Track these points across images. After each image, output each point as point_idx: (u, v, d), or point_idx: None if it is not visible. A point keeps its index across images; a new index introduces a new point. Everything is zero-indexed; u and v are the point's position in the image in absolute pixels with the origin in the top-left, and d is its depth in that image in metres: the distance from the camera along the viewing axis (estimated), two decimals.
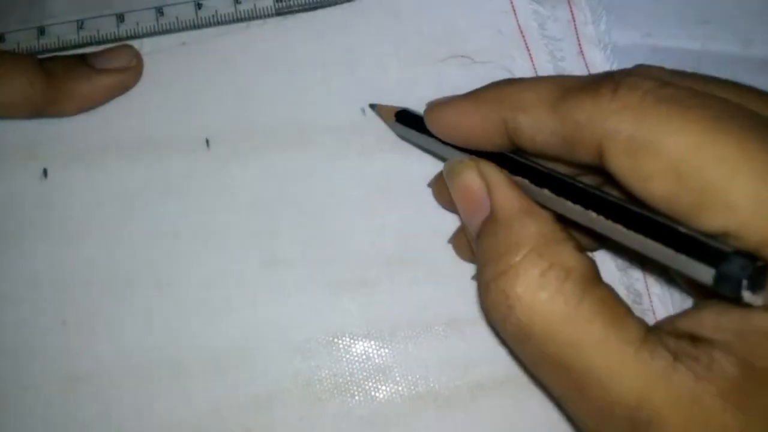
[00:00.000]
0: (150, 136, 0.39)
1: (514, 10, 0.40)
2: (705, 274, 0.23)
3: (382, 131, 0.39)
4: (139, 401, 0.36)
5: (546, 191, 0.28)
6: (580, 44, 0.40)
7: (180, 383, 0.36)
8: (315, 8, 0.41)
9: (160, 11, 0.41)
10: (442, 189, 0.36)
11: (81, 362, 0.36)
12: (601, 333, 0.25)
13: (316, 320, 0.36)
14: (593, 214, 0.27)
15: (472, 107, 0.30)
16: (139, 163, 0.39)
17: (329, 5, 0.41)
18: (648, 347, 0.24)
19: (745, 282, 0.22)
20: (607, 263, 0.37)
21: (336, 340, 0.36)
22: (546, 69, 0.40)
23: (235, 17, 0.41)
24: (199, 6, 0.41)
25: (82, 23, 0.41)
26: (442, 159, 0.36)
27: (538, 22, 0.40)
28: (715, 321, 0.25)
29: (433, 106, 0.33)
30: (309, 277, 0.37)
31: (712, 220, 0.23)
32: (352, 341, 0.36)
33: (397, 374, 0.36)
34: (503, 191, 0.29)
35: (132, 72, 0.39)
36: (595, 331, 0.25)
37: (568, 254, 0.27)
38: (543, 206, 0.29)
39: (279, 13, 0.41)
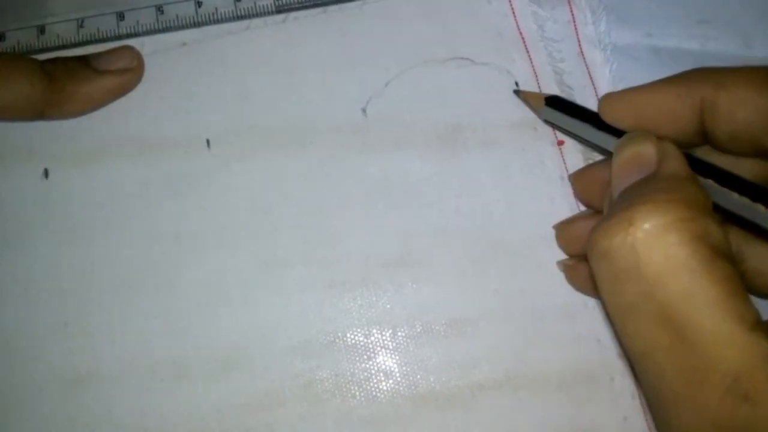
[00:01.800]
0: (150, 136, 0.39)
1: (514, 12, 0.41)
2: None
3: (383, 131, 0.39)
4: (140, 402, 0.36)
5: (711, 182, 0.28)
6: (580, 45, 0.40)
7: (181, 383, 0.36)
8: (314, 6, 0.41)
9: (160, 9, 0.41)
10: (587, 184, 0.36)
11: (82, 363, 0.36)
12: (721, 298, 0.23)
13: (317, 320, 0.36)
14: (761, 208, 0.26)
15: (669, 87, 0.30)
16: (139, 163, 0.39)
17: (329, 4, 0.41)
18: (760, 331, 0.23)
19: None
20: None
21: (336, 340, 0.36)
22: (545, 70, 0.40)
23: (235, 15, 0.41)
24: (199, 4, 0.41)
25: (83, 21, 0.41)
26: (591, 145, 0.36)
27: (538, 24, 0.40)
28: None
29: (616, 92, 0.32)
30: (309, 277, 0.37)
31: None
32: (352, 341, 0.36)
33: (397, 374, 0.36)
34: (674, 160, 0.28)
35: (133, 73, 0.39)
36: (715, 294, 0.24)
37: (713, 225, 0.25)
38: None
39: (279, 10, 0.41)
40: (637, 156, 0.28)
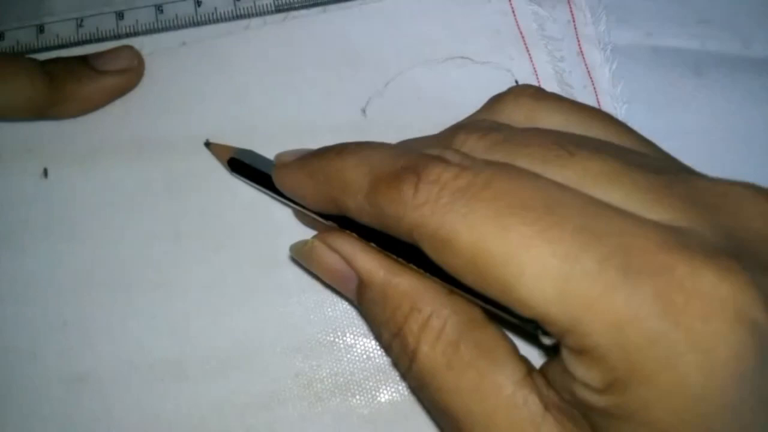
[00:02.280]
0: (150, 136, 0.39)
1: (513, 11, 0.40)
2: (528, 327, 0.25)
3: (382, 131, 0.39)
4: (140, 401, 0.36)
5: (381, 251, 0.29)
6: (579, 44, 0.40)
7: (181, 383, 0.36)
8: (314, 6, 0.41)
9: (159, 9, 0.41)
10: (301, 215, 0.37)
11: (82, 362, 0.36)
12: (476, 378, 0.25)
13: (317, 320, 0.36)
14: (414, 267, 0.28)
15: (307, 180, 0.30)
16: (139, 163, 0.39)
17: (328, 3, 0.41)
18: (522, 393, 0.25)
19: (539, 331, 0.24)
20: None
21: (337, 339, 0.36)
22: (545, 69, 0.40)
23: (234, 14, 0.41)
24: (198, 3, 0.41)
25: (82, 21, 0.41)
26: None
27: (538, 23, 0.40)
28: (560, 379, 0.25)
29: (277, 166, 0.32)
30: (309, 276, 0.37)
31: (518, 309, 0.23)
32: (352, 341, 0.36)
33: (397, 374, 0.36)
34: (362, 258, 0.29)
35: (133, 73, 0.39)
36: (471, 377, 0.25)
37: (441, 301, 0.27)
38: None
39: (278, 10, 0.41)
40: (326, 268, 0.31)
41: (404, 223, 0.25)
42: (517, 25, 0.40)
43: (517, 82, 0.40)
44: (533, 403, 0.24)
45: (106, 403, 0.36)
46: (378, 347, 0.36)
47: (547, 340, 0.24)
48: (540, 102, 0.29)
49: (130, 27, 0.41)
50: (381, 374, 0.36)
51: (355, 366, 0.36)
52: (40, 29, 0.41)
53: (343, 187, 0.27)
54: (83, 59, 0.39)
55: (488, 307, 0.26)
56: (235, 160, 0.36)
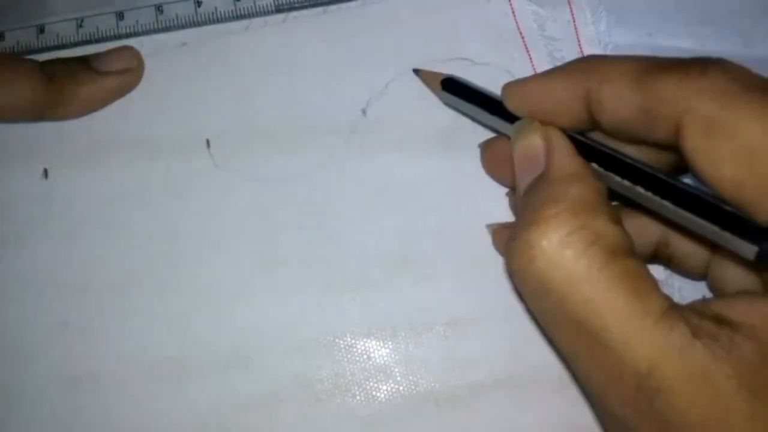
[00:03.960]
0: (150, 136, 0.39)
1: (513, 12, 0.40)
2: (748, 250, 0.24)
3: (383, 132, 0.39)
4: (140, 401, 0.36)
5: (596, 165, 0.29)
6: (580, 45, 0.40)
7: (181, 383, 0.36)
8: (314, 6, 0.41)
9: (159, 9, 0.41)
10: (492, 155, 0.37)
11: (82, 362, 0.36)
12: (620, 300, 0.25)
13: (317, 320, 0.36)
14: (641, 190, 0.28)
15: (558, 78, 0.31)
16: (139, 163, 0.39)
17: (328, 4, 0.41)
18: (668, 320, 0.24)
19: None
20: None
21: (336, 340, 0.36)
22: (545, 69, 0.39)
23: (234, 14, 0.41)
24: (198, 3, 0.41)
25: (82, 21, 0.41)
26: (491, 129, 0.37)
27: (538, 23, 0.40)
28: (747, 307, 0.25)
29: (513, 82, 0.33)
30: (309, 277, 0.37)
31: None
32: (352, 341, 0.36)
33: (397, 374, 0.36)
34: (561, 153, 0.29)
35: (134, 73, 0.39)
36: (614, 297, 0.25)
37: (602, 222, 0.27)
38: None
39: (279, 10, 0.41)
40: (528, 149, 0.31)
41: (678, 105, 0.25)
42: (517, 25, 0.40)
43: None
44: (680, 330, 0.24)
45: (106, 402, 0.36)
46: (378, 347, 0.36)
47: None
48: None
49: (130, 27, 0.41)
50: (381, 375, 0.36)
51: (355, 366, 0.36)
52: (41, 29, 0.41)
53: (604, 76, 0.28)
54: (83, 60, 0.39)
55: (695, 219, 0.26)
56: (449, 79, 0.37)
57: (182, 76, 0.40)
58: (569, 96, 0.30)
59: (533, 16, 0.40)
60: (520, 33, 0.40)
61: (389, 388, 0.36)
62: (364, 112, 0.39)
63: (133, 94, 0.40)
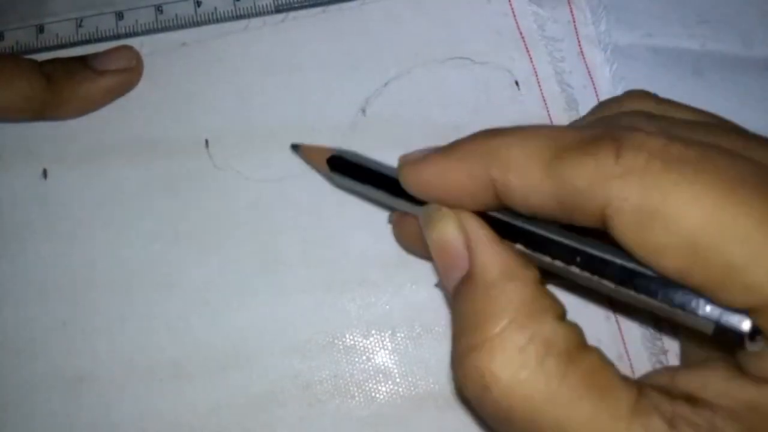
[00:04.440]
0: (150, 136, 0.39)
1: (513, 12, 0.40)
2: (704, 326, 0.22)
3: (382, 131, 0.39)
4: (139, 401, 0.36)
5: (521, 246, 0.27)
6: (580, 45, 0.40)
7: (180, 383, 0.36)
8: (314, 6, 0.41)
9: (159, 9, 0.41)
10: (405, 230, 0.34)
11: (81, 362, 0.36)
12: (589, 411, 0.23)
13: (316, 321, 0.36)
14: (576, 270, 0.25)
15: (458, 164, 0.27)
16: (139, 163, 0.39)
17: (328, 3, 0.41)
18: (641, 419, 0.23)
19: (746, 332, 0.22)
20: None
21: (336, 340, 0.36)
22: (545, 69, 0.39)
23: (234, 14, 0.41)
24: (198, 3, 0.41)
25: (81, 21, 0.41)
26: (387, 207, 0.35)
27: (538, 23, 0.40)
28: (723, 386, 0.23)
29: (408, 163, 0.29)
30: (309, 277, 0.37)
31: (732, 298, 0.21)
32: (351, 342, 0.36)
33: (396, 375, 0.36)
34: (484, 249, 0.26)
35: (132, 73, 0.39)
36: (582, 410, 0.23)
37: (550, 325, 0.24)
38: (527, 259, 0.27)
39: (278, 10, 0.41)
40: (445, 244, 0.28)
41: (598, 196, 0.22)
42: (517, 25, 0.40)
43: (517, 82, 0.39)
44: (655, 427, 0.22)
45: (106, 402, 0.36)
46: (377, 347, 0.36)
47: (754, 346, 0.22)
48: (661, 101, 0.28)
49: (129, 27, 0.41)
50: (380, 375, 0.36)
51: (354, 367, 0.36)
52: (40, 29, 0.41)
53: (508, 163, 0.25)
54: (82, 59, 0.39)
55: (659, 304, 0.23)
56: (337, 158, 0.34)
57: (181, 76, 0.40)
58: (473, 184, 0.26)
59: (533, 16, 0.40)
60: (520, 33, 0.40)
61: (388, 389, 0.36)
62: (363, 111, 0.39)
63: (133, 94, 0.40)
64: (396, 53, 0.40)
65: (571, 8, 0.40)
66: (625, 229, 0.22)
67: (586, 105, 0.39)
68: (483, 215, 0.28)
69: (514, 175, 0.25)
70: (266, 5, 0.41)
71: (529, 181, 0.24)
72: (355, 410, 0.35)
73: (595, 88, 0.39)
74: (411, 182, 0.29)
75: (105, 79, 0.38)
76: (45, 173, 0.39)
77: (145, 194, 0.38)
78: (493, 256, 0.26)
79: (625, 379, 0.24)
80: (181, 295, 0.37)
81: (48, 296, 0.37)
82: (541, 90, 0.39)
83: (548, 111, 0.39)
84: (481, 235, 0.27)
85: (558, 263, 0.26)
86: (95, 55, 0.39)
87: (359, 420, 0.35)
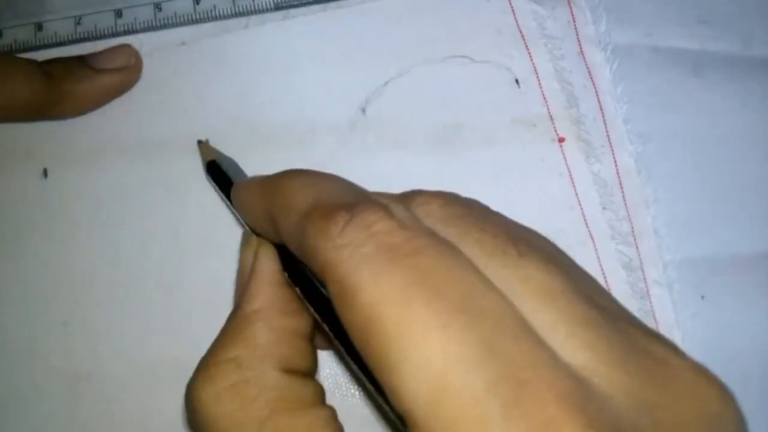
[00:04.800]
0: (150, 136, 0.39)
1: (513, 10, 0.40)
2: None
3: (382, 131, 0.39)
4: (140, 401, 0.36)
5: (299, 292, 0.27)
6: (580, 44, 0.40)
7: (181, 383, 0.35)
8: (313, 4, 0.41)
9: (158, 7, 0.41)
10: None
11: (82, 362, 0.36)
12: None
13: None
14: (327, 329, 0.25)
15: (257, 194, 0.28)
16: (138, 163, 0.39)
17: (328, 1, 0.41)
18: None
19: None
20: (612, 262, 0.37)
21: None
22: (546, 68, 0.40)
23: (233, 12, 0.41)
24: (197, 1, 0.41)
25: (80, 19, 0.41)
26: None
27: (537, 22, 0.40)
28: None
29: (236, 186, 0.31)
30: None
31: (390, 396, 0.20)
32: None
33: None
34: (260, 281, 0.27)
35: (131, 71, 0.39)
36: None
37: (272, 375, 0.25)
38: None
39: (278, 8, 0.41)
40: (241, 267, 0.29)
41: (319, 258, 0.22)
42: (517, 24, 0.40)
43: (517, 80, 0.39)
44: None
45: (107, 402, 0.36)
46: None
47: None
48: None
49: (128, 25, 0.41)
50: None
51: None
52: (39, 27, 0.41)
53: (284, 207, 0.25)
54: (81, 59, 0.39)
55: (369, 385, 0.23)
56: (215, 165, 0.35)
57: (181, 76, 0.40)
58: (263, 218, 0.27)
59: (533, 14, 0.40)
60: (520, 31, 0.40)
61: None
62: (363, 110, 0.39)
63: (133, 93, 0.40)
64: (396, 52, 0.40)
65: (570, 8, 0.40)
66: (332, 297, 0.22)
67: (586, 104, 0.39)
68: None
69: (282, 218, 0.25)
70: (266, 3, 0.41)
71: (289, 227, 0.24)
72: (355, 408, 0.36)
73: (595, 87, 0.39)
74: (233, 197, 0.31)
75: (104, 78, 0.38)
76: (45, 173, 0.39)
77: (145, 194, 0.38)
78: (262, 291, 0.27)
79: None
80: (182, 295, 0.37)
81: (47, 296, 0.37)
82: (541, 88, 0.40)
83: (548, 109, 0.39)
84: (263, 267, 0.27)
85: (318, 318, 0.26)
86: (94, 54, 0.39)
87: (360, 418, 0.35)
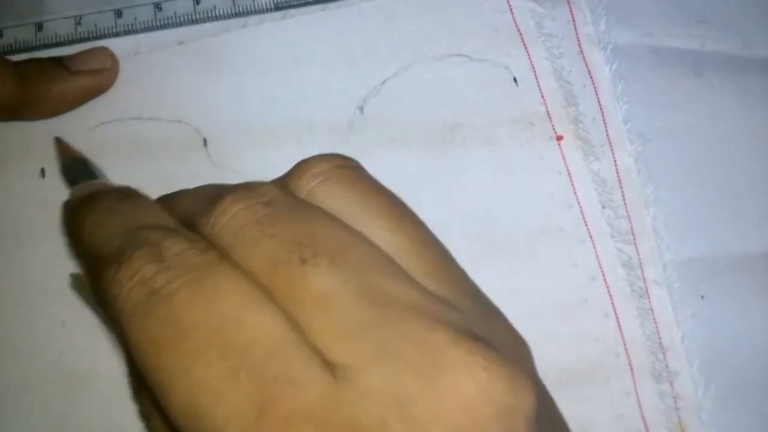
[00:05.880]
0: (147, 135, 0.39)
1: (511, 9, 0.40)
2: None
3: (380, 130, 0.39)
4: None
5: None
6: (579, 44, 0.40)
7: None
8: (313, 4, 0.41)
9: (158, 6, 0.41)
10: None
11: (81, 362, 0.36)
12: None
13: None
14: None
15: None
16: (136, 163, 0.39)
17: (327, 1, 0.41)
18: None
19: None
20: (611, 261, 0.37)
21: None
22: (544, 66, 0.40)
23: (233, 12, 0.41)
24: (197, 1, 0.41)
25: (80, 19, 0.41)
26: None
27: (536, 20, 0.40)
28: None
29: (73, 195, 0.31)
30: None
31: None
32: None
33: None
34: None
35: (107, 73, 0.39)
36: None
37: None
38: None
39: (277, 7, 0.41)
40: None
41: (102, 301, 0.22)
42: (515, 22, 0.40)
43: (515, 79, 0.39)
44: None
45: (105, 402, 0.36)
46: None
47: None
48: (329, 181, 0.25)
49: (128, 25, 0.41)
50: None
51: None
52: (39, 27, 0.41)
53: (78, 247, 0.25)
54: (57, 60, 0.39)
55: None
56: (69, 166, 0.35)
57: (180, 75, 0.40)
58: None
59: (531, 13, 0.40)
60: (518, 30, 0.40)
61: None
62: (361, 110, 0.39)
63: (131, 93, 0.40)
64: (394, 51, 0.40)
65: (570, 7, 0.40)
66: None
67: (585, 104, 0.39)
68: None
69: (79, 258, 0.25)
70: (265, 3, 0.41)
71: (84, 269, 0.25)
72: None
73: (595, 87, 0.39)
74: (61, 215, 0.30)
75: (79, 80, 0.38)
76: (43, 172, 0.39)
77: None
78: None
79: None
80: None
81: (45, 295, 0.37)
82: (539, 86, 0.39)
83: (547, 107, 0.39)
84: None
85: None
86: (70, 56, 0.39)
87: None
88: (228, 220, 0.23)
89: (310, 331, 0.20)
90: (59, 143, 0.37)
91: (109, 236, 0.23)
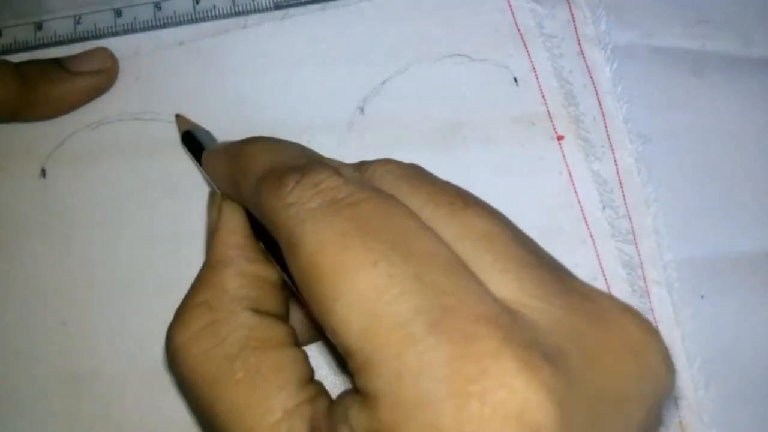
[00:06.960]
0: (148, 135, 0.39)
1: (511, 9, 0.40)
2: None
3: (381, 129, 0.39)
4: (140, 401, 0.36)
5: (262, 245, 0.28)
6: (580, 44, 0.40)
7: None
8: (312, 3, 0.41)
9: (157, 6, 0.41)
10: None
11: (81, 362, 0.36)
12: (242, 397, 0.24)
13: None
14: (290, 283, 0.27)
15: (223, 159, 0.30)
16: (138, 163, 0.39)
17: (326, 1, 0.41)
18: (288, 422, 0.23)
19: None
20: (612, 261, 0.37)
21: None
22: (544, 66, 0.40)
23: (233, 11, 0.41)
24: (197, 0, 0.41)
25: (80, 18, 0.41)
26: None
27: (536, 20, 0.40)
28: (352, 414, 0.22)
29: (207, 150, 0.33)
30: None
31: (330, 335, 0.22)
32: None
33: None
34: (224, 234, 0.28)
35: (107, 74, 0.39)
36: (238, 394, 0.24)
37: (243, 315, 0.26)
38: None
39: (277, 7, 0.41)
40: (208, 225, 0.30)
41: (272, 218, 0.24)
42: (515, 22, 0.40)
43: (515, 79, 0.39)
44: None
45: (106, 402, 0.36)
46: None
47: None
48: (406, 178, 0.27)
49: (128, 24, 0.41)
50: None
51: None
52: (38, 26, 0.41)
53: (245, 170, 0.27)
54: (56, 61, 0.39)
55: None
56: (189, 134, 0.37)
57: (180, 75, 0.40)
58: (227, 179, 0.29)
59: (531, 13, 0.40)
60: (518, 30, 0.40)
61: None
62: (361, 109, 0.39)
63: (132, 93, 0.40)
64: (394, 51, 0.40)
65: (570, 7, 0.40)
66: (284, 252, 0.23)
67: (586, 103, 0.39)
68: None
69: (243, 181, 0.27)
70: (265, 2, 0.41)
71: (248, 190, 0.26)
72: None
73: (595, 87, 0.39)
74: (204, 163, 0.33)
75: (79, 81, 0.38)
76: (43, 172, 0.39)
77: (145, 194, 0.38)
78: (227, 242, 0.28)
79: (308, 385, 0.25)
80: (180, 295, 0.36)
81: (46, 296, 0.37)
82: (539, 86, 0.39)
83: (547, 107, 0.39)
84: (230, 224, 0.29)
85: (285, 275, 0.27)
86: (70, 57, 0.39)
87: None
88: (384, 173, 0.26)
89: (473, 265, 0.21)
90: (179, 117, 0.39)
91: (291, 158, 0.26)
